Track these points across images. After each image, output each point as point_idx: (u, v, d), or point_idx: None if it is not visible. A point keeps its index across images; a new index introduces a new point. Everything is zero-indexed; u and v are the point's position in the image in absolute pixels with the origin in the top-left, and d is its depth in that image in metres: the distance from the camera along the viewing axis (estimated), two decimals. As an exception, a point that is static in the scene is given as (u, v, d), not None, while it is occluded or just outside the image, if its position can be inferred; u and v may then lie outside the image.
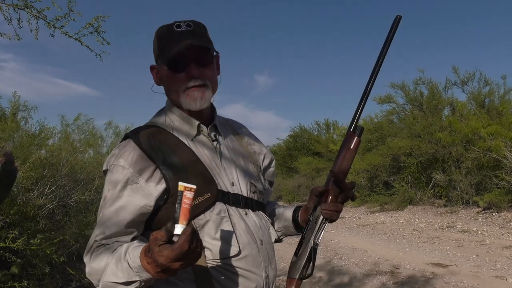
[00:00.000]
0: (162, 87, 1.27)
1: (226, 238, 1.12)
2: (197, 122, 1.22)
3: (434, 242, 7.64)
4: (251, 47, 54.31)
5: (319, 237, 1.22)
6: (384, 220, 11.01)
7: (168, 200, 1.09)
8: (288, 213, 1.37)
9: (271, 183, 1.43)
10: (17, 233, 4.25)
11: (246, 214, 1.20)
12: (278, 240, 1.37)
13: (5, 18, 3.03)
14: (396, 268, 5.88)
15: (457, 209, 10.60)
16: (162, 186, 1.09)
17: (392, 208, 12.38)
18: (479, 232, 8.17)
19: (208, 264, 1.10)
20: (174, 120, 1.23)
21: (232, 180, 1.21)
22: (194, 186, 0.90)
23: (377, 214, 12.17)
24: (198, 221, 1.09)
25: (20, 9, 3.03)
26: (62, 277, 5.27)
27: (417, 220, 10.41)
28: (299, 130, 25.40)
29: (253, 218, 1.22)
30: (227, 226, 1.13)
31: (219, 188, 1.15)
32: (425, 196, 12.31)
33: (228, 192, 1.17)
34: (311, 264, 1.21)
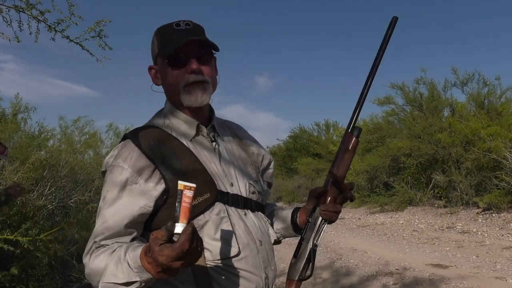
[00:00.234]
0: (161, 87, 1.27)
1: (225, 238, 1.12)
2: (196, 123, 1.22)
3: (434, 243, 7.63)
4: (251, 48, 54.37)
5: (318, 238, 1.22)
6: (384, 221, 11.00)
7: (167, 200, 1.09)
8: (287, 214, 1.37)
9: (269, 185, 1.42)
10: (14, 225, 4.24)
11: (245, 214, 1.20)
12: (277, 242, 1.37)
13: (4, 20, 3.03)
14: (396, 269, 5.87)
15: (457, 210, 10.60)
16: (162, 186, 1.09)
17: (392, 209, 12.37)
18: (479, 233, 8.17)
19: (207, 265, 1.09)
20: (173, 120, 1.23)
21: (231, 180, 1.21)
22: (194, 185, 0.90)
23: (377, 215, 12.16)
24: (197, 222, 1.09)
25: (21, 11, 3.02)
26: (62, 278, 5.26)
27: (417, 221, 10.40)
28: (299, 131, 25.42)
29: (252, 218, 1.22)
30: (226, 227, 1.13)
31: (218, 188, 1.15)
32: (425, 197, 12.30)
33: (228, 193, 1.17)
34: (310, 266, 1.21)
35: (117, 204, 1.08)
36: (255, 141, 1.42)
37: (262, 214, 1.29)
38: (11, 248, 3.98)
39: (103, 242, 1.08)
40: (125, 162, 1.10)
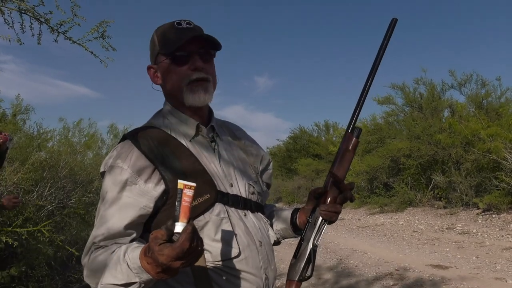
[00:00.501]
0: (160, 87, 1.26)
1: (226, 239, 1.11)
2: (196, 123, 1.21)
3: (434, 244, 7.63)
4: (251, 48, 54.39)
5: (318, 238, 1.22)
6: (383, 222, 11.00)
7: (167, 201, 1.09)
8: (286, 215, 1.36)
9: (268, 185, 1.41)
10: (11, 215, 4.22)
11: (245, 215, 1.19)
12: (277, 242, 1.36)
13: (6, 22, 3.01)
14: (396, 269, 5.87)
15: (457, 210, 10.59)
16: (161, 187, 1.09)
17: (392, 210, 12.37)
18: (479, 233, 8.17)
19: (207, 266, 1.08)
20: (172, 121, 1.22)
21: (230, 181, 1.21)
22: (194, 184, 0.89)
23: (376, 216, 12.15)
24: (197, 223, 1.08)
25: (23, 12, 3.01)
26: (62, 279, 5.26)
27: (417, 221, 10.40)
28: (298, 131, 25.41)
29: (252, 219, 1.21)
30: (227, 228, 1.12)
31: (218, 189, 1.15)
32: (424, 197, 12.30)
33: (227, 193, 1.17)
34: (310, 266, 1.21)
35: (116, 205, 1.07)
36: (254, 142, 1.42)
37: (261, 215, 1.28)
38: (10, 241, 3.96)
39: (102, 243, 1.07)
40: (124, 163, 1.09)
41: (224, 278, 1.10)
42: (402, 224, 10.35)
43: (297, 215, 1.34)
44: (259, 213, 1.26)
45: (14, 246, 4.21)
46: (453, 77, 13.14)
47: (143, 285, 0.95)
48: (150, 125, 1.22)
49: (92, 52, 3.26)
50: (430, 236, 8.47)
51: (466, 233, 8.34)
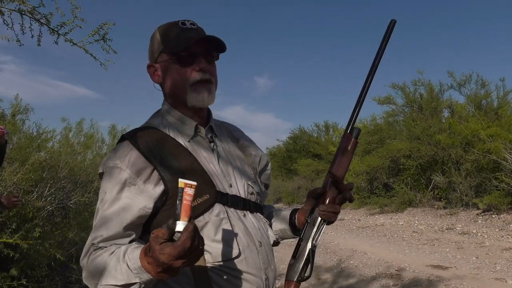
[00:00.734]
0: (160, 87, 1.26)
1: (225, 240, 1.10)
2: (194, 123, 1.21)
3: (434, 244, 7.63)
4: (251, 49, 54.39)
5: (317, 238, 1.21)
6: (383, 222, 11.00)
7: (167, 202, 1.08)
8: (285, 215, 1.36)
9: (266, 186, 1.41)
10: (14, 227, 4.21)
11: (244, 215, 1.19)
12: (276, 243, 1.36)
13: (5, 23, 3.00)
14: (396, 270, 5.87)
15: (457, 211, 10.59)
16: (161, 187, 1.08)
17: (392, 210, 12.37)
18: (479, 234, 8.17)
19: (207, 267, 1.08)
20: (171, 121, 1.22)
21: (229, 181, 1.20)
22: (195, 183, 0.88)
23: (376, 216, 12.15)
24: (197, 223, 1.06)
25: (24, 14, 3.00)
26: (62, 279, 5.26)
27: (416, 222, 10.40)
28: (298, 132, 25.43)
29: (252, 219, 1.21)
30: (226, 228, 1.12)
31: (217, 189, 1.14)
32: (424, 198, 12.30)
33: (227, 194, 1.16)
34: (309, 266, 1.21)
35: (115, 206, 1.07)
36: (252, 142, 1.41)
37: (260, 215, 1.28)
38: (11, 253, 3.96)
39: (101, 244, 1.06)
40: (123, 163, 1.08)
41: (224, 278, 1.10)
42: (402, 224, 10.35)
43: (296, 216, 1.33)
44: (258, 213, 1.26)
45: (15, 258, 4.23)
46: (452, 78, 13.17)
47: (143, 285, 0.95)
48: (149, 126, 1.21)
49: (92, 55, 3.24)
50: (430, 236, 8.47)
51: (466, 234, 8.34)
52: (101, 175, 1.15)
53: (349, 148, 1.23)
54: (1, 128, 3.06)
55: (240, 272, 1.12)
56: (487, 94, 12.67)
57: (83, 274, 1.06)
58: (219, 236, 1.10)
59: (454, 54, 31.34)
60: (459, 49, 32.96)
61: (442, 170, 12.09)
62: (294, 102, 49.11)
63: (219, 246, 1.10)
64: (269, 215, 1.40)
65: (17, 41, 3.06)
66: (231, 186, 1.20)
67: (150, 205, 1.08)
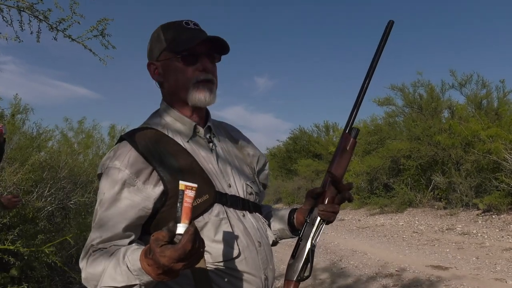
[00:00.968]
0: (159, 85, 1.26)
1: (225, 240, 1.10)
2: (193, 123, 1.21)
3: (434, 245, 7.63)
4: (251, 49, 54.40)
5: (316, 238, 1.22)
6: (384, 223, 10.99)
7: (166, 202, 1.08)
8: (284, 215, 1.36)
9: (264, 186, 1.41)
10: (16, 234, 4.21)
11: (243, 216, 1.19)
12: (274, 243, 1.36)
13: (4, 20, 3.00)
14: (396, 270, 5.87)
15: (457, 211, 10.59)
16: (160, 188, 1.08)
17: (392, 211, 12.36)
18: (479, 234, 8.16)
19: (207, 268, 1.08)
20: (169, 121, 1.22)
21: (228, 181, 1.20)
22: (195, 185, 0.88)
23: (377, 217, 12.15)
24: (196, 223, 1.05)
25: (22, 10, 3.00)
26: (62, 280, 5.26)
27: (417, 222, 10.40)
28: (298, 132, 25.42)
29: (251, 220, 1.21)
30: (226, 228, 1.11)
31: (216, 189, 1.14)
32: (425, 198, 12.30)
33: (226, 194, 1.16)
34: (308, 266, 1.21)
35: (114, 207, 1.06)
36: (250, 142, 1.41)
37: (259, 215, 1.28)
38: (12, 259, 3.96)
39: (100, 246, 1.05)
40: (122, 164, 1.08)
41: (223, 279, 1.09)
42: (402, 224, 10.35)
43: (294, 216, 1.33)
44: (257, 213, 1.26)
45: (16, 265, 4.23)
46: (454, 77, 13.15)
47: (143, 287, 0.94)
48: (147, 126, 1.21)
49: (91, 50, 3.24)
50: (430, 236, 8.46)
51: (466, 234, 8.34)
52: (99, 176, 1.14)
53: (348, 148, 1.23)
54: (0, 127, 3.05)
55: (239, 272, 1.11)
56: (488, 94, 12.67)
57: (82, 275, 1.05)
58: (218, 236, 1.10)
59: (453, 55, 31.35)
60: (459, 49, 32.98)
61: (442, 171, 12.08)
62: (294, 102, 49.15)
63: (219, 247, 1.10)
64: (267, 215, 1.39)
65: (16, 38, 3.05)
66: (230, 186, 1.20)
67: (150, 205, 1.07)
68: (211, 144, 1.24)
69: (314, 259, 1.22)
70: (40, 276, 4.75)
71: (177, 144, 1.16)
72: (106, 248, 1.04)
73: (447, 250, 7.05)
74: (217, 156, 1.23)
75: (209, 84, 1.18)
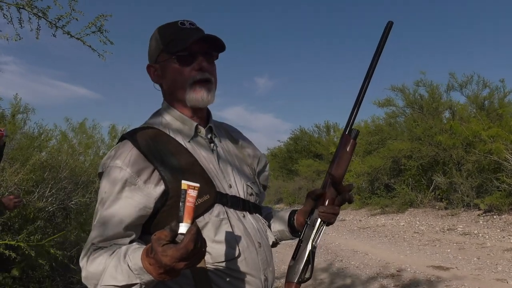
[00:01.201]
0: (159, 87, 1.26)
1: (225, 240, 1.10)
2: (194, 123, 1.21)
3: (435, 245, 7.62)
4: (251, 49, 54.41)
5: (317, 240, 1.21)
6: (385, 223, 10.99)
7: (167, 202, 1.08)
8: (284, 217, 1.36)
9: (264, 187, 1.41)
10: (17, 227, 4.20)
11: (244, 216, 1.19)
12: (274, 244, 1.36)
13: (5, 17, 3.00)
14: (397, 270, 5.86)
15: (458, 211, 10.58)
16: (161, 187, 1.08)
17: (393, 211, 12.36)
18: (480, 234, 8.15)
19: (207, 268, 1.08)
20: (170, 121, 1.22)
21: (229, 182, 1.20)
22: (198, 185, 0.88)
23: (378, 217, 12.14)
24: (197, 223, 1.08)
25: (21, 8, 3.00)
26: (63, 280, 5.25)
27: (418, 222, 10.39)
28: (299, 132, 25.43)
29: (251, 220, 1.21)
30: (226, 229, 1.11)
31: (217, 190, 1.14)
32: (426, 198, 12.29)
33: (226, 194, 1.16)
34: (309, 267, 1.20)
35: (115, 206, 1.06)
36: (250, 143, 1.41)
37: (259, 216, 1.28)
38: (13, 254, 3.96)
39: (101, 244, 1.05)
40: (123, 163, 1.08)
41: (223, 279, 1.09)
42: (403, 225, 10.34)
43: (295, 217, 1.33)
44: (257, 214, 1.26)
45: (17, 260, 4.22)
46: (454, 79, 13.16)
47: (143, 286, 0.94)
48: (149, 125, 1.21)
49: (90, 46, 3.25)
50: (431, 237, 8.45)
51: (467, 234, 8.33)
52: (100, 175, 1.14)
53: (347, 149, 1.23)
54: (1, 130, 3.05)
55: (239, 272, 1.11)
56: (490, 94, 12.66)
57: (83, 274, 1.05)
58: (219, 236, 1.10)
59: (453, 55, 31.32)
60: (458, 49, 32.95)
61: (443, 171, 12.08)
62: (294, 102, 49.19)
63: (219, 247, 1.09)
64: (267, 216, 1.40)
65: (16, 35, 3.05)
66: (230, 186, 1.20)
67: (151, 205, 1.07)
68: (212, 145, 1.23)
69: (315, 260, 1.22)
70: (41, 276, 4.75)
71: (178, 144, 1.16)
72: (106, 246, 1.04)
73: (448, 250, 7.04)
74: (218, 157, 1.23)
75: (207, 83, 1.17)
